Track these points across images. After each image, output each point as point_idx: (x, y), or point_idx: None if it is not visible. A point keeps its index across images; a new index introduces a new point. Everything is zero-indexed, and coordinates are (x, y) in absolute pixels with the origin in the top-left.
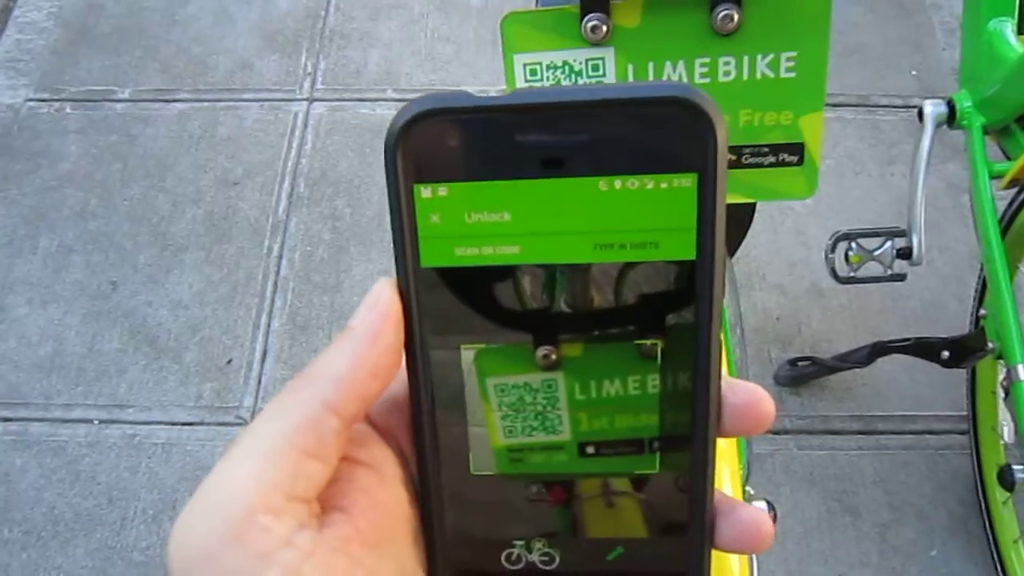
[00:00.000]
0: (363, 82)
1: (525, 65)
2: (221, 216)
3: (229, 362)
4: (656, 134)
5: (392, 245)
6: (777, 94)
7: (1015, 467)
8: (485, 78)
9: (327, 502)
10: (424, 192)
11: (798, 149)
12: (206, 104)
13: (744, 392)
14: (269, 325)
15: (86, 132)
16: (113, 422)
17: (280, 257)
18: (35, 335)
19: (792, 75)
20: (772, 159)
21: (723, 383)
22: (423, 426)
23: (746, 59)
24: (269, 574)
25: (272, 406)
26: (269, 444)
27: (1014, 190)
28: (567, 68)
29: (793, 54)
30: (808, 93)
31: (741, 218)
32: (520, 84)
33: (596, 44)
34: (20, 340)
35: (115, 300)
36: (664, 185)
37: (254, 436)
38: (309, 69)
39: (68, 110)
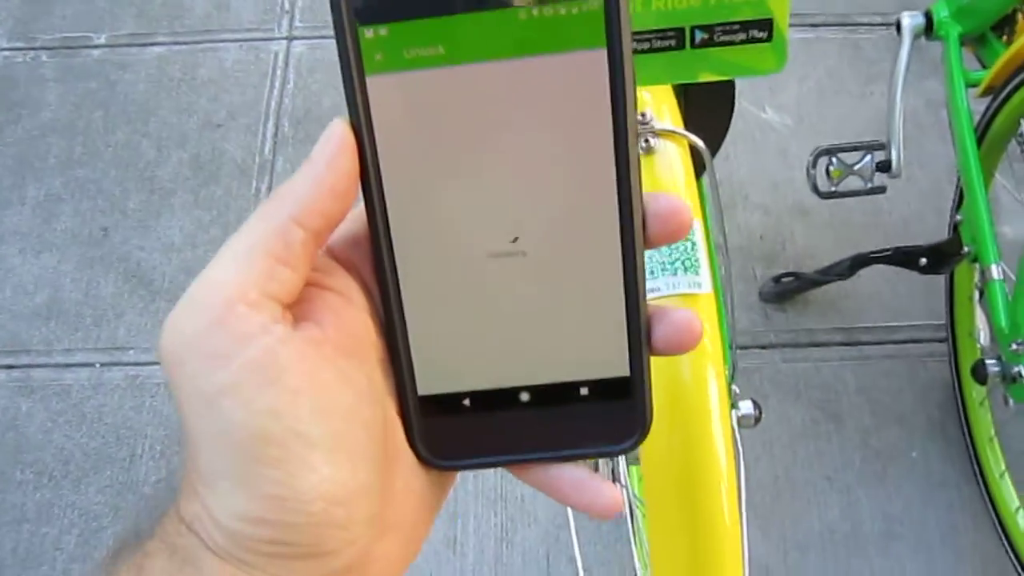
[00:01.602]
0: None
1: None
2: (207, 158)
3: None
4: None
5: (343, 87)
6: None
7: (987, 361)
8: None
9: (299, 316)
10: (367, 33)
11: (767, 25)
12: (184, 47)
13: (665, 200)
14: None
15: (64, 80)
16: (114, 364)
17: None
18: (31, 284)
19: None
20: (743, 36)
21: (645, 195)
22: (382, 252)
23: None
24: (249, 352)
25: (243, 226)
26: (243, 250)
27: (989, 98)
28: None
29: None
30: None
31: (722, 106)
32: None
33: None
34: (16, 289)
35: (107, 246)
36: (575, 10)
37: (229, 247)
38: (287, 7)
39: (44, 58)
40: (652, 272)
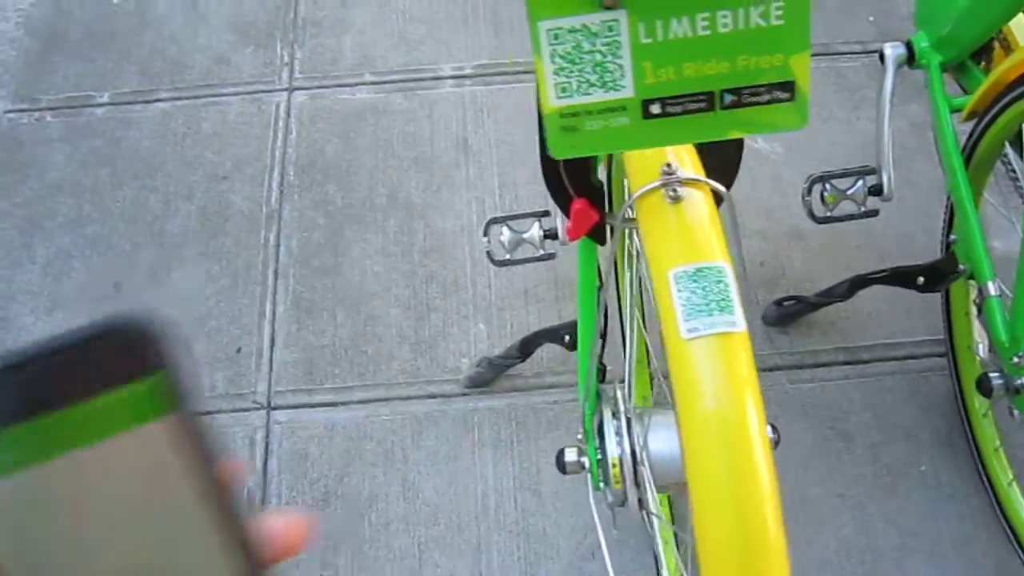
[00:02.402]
0: (340, 68)
1: (548, 31)
2: (215, 210)
3: (239, 351)
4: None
5: None
6: (769, 39)
7: (991, 374)
8: (459, 56)
9: None
10: None
11: (790, 86)
12: (187, 102)
13: (278, 524)
14: (274, 312)
15: (70, 139)
16: None
17: (278, 245)
18: None
19: (781, 22)
20: (768, 96)
21: (257, 522)
22: None
23: (740, 11)
24: None
25: None
26: None
27: (973, 121)
28: (586, 31)
29: (780, 3)
30: (795, 36)
31: (730, 152)
32: (544, 49)
33: (609, 8)
34: None
35: (119, 301)
36: (125, 393)
37: None
38: (286, 59)
39: (49, 119)
40: (688, 315)
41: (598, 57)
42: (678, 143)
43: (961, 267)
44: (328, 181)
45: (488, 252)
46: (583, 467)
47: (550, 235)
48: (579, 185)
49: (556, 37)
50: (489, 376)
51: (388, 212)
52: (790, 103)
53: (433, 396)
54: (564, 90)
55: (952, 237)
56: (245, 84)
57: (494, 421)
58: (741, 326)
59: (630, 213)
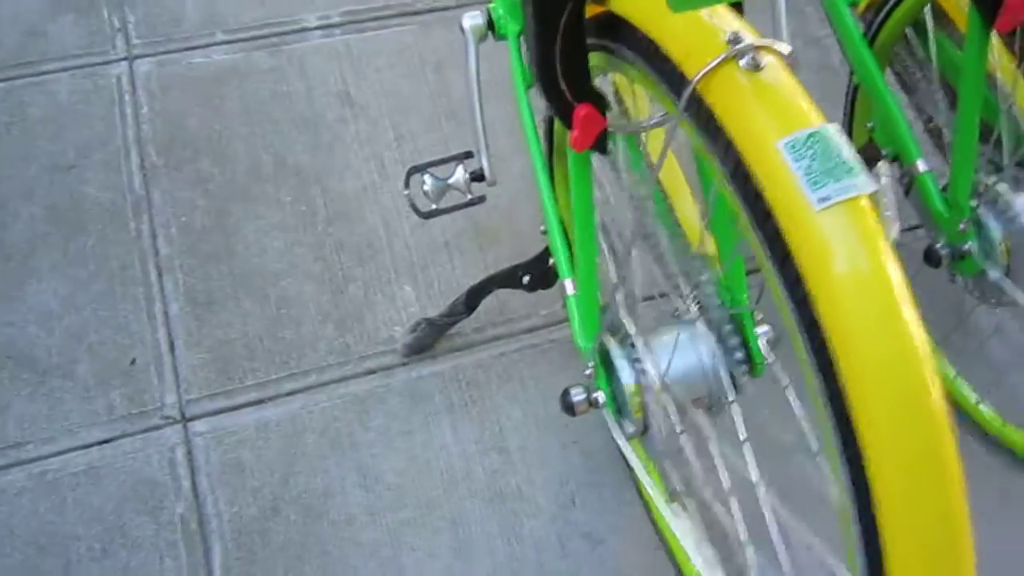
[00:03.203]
0: (186, 29)
1: None
2: (66, 207)
3: (133, 362)
4: None
5: None
6: None
7: (936, 246)
8: (322, 3)
9: None
10: None
11: None
12: (2, 85)
13: None
14: (166, 311)
15: None
16: (12, 466)
17: (154, 236)
18: None
19: None
20: None
21: None
22: None
23: None
24: None
25: None
26: None
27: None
28: None
29: None
30: None
31: None
32: None
33: None
34: None
35: None
36: None
37: None
38: (116, 24)
39: None
40: (815, 183)
41: None
42: None
43: (884, 152)
44: (199, 156)
45: (412, 204)
46: (595, 404)
47: (476, 177)
48: (579, 90)
49: None
50: (431, 339)
51: (278, 181)
52: None
53: (372, 372)
54: None
55: (869, 124)
56: (72, 58)
57: (443, 386)
58: (873, 185)
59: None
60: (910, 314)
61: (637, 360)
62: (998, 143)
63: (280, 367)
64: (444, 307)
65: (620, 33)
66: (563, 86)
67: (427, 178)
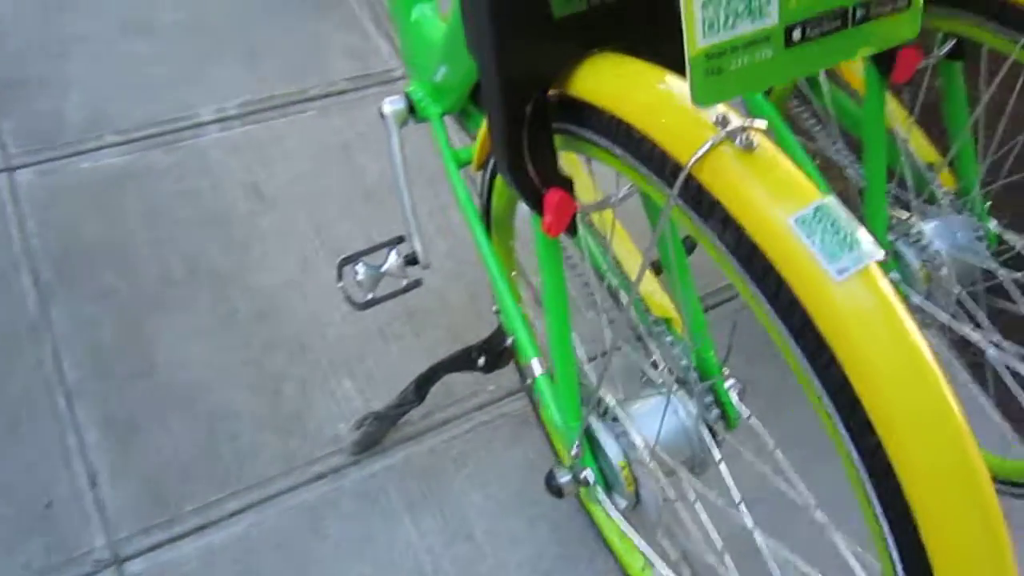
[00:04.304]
0: (70, 133)
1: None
2: None
3: (49, 505)
4: None
5: None
6: None
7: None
8: (218, 95)
9: None
10: None
11: None
12: None
13: None
14: (82, 443)
15: None
16: None
17: (58, 360)
18: None
19: None
20: (890, 7)
21: None
22: None
23: None
24: None
25: None
26: None
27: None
28: None
29: None
30: None
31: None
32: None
33: None
34: None
35: None
36: None
37: None
38: None
39: None
40: (831, 256)
41: None
42: (815, 70)
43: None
44: (100, 268)
45: (347, 297)
46: (585, 483)
47: (410, 261)
48: (547, 176)
49: None
50: (381, 433)
51: (192, 285)
52: (907, 12)
53: (321, 476)
54: (711, 26)
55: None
56: None
57: (398, 481)
58: (880, 252)
59: (666, 189)
60: (938, 371)
61: (623, 434)
62: (902, 182)
63: (220, 486)
64: (389, 397)
65: (585, 116)
66: (532, 173)
67: (360, 268)
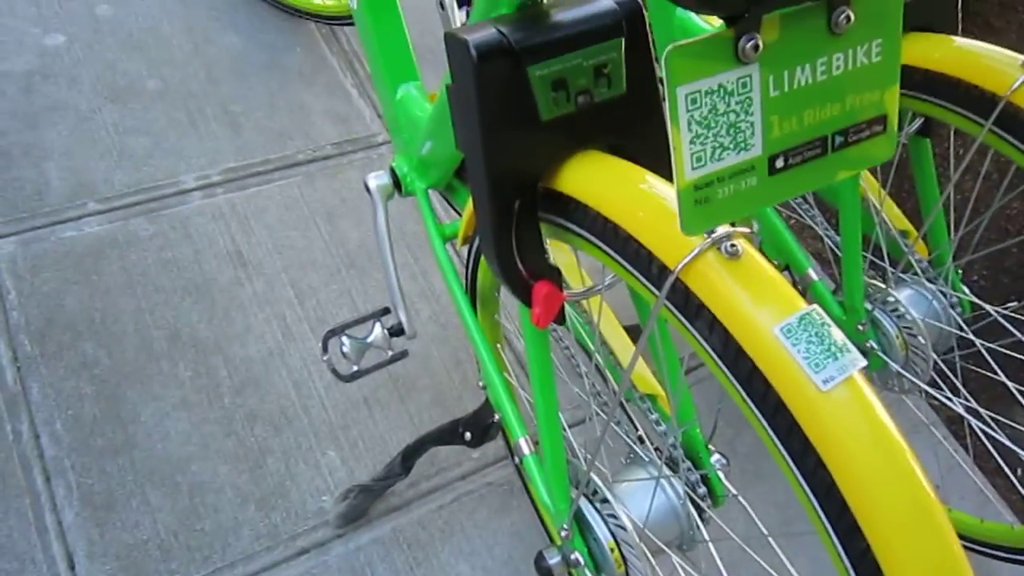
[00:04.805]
0: (51, 202)
1: (687, 96)
2: None
3: None
4: None
5: None
6: (870, 77)
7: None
8: (200, 163)
9: None
10: None
11: (883, 120)
12: None
13: None
14: (60, 522)
15: None
16: None
17: (36, 436)
18: None
19: (879, 58)
20: (868, 132)
21: None
22: None
23: (850, 51)
24: None
25: None
26: None
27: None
28: (722, 91)
29: (880, 40)
30: (889, 71)
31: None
32: (682, 116)
33: (746, 63)
34: None
35: None
36: None
37: None
38: None
39: None
40: (816, 366)
41: (732, 117)
42: (797, 194)
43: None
44: (81, 340)
45: (332, 369)
46: (576, 564)
47: (396, 332)
48: (536, 269)
49: (693, 102)
50: (366, 505)
51: (174, 356)
52: (882, 136)
53: (304, 551)
54: (699, 159)
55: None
56: None
57: (385, 553)
58: (863, 360)
59: (653, 289)
60: (921, 474)
61: (612, 515)
62: (877, 250)
63: (202, 564)
64: (374, 465)
65: (571, 211)
66: (520, 267)
67: (345, 340)
